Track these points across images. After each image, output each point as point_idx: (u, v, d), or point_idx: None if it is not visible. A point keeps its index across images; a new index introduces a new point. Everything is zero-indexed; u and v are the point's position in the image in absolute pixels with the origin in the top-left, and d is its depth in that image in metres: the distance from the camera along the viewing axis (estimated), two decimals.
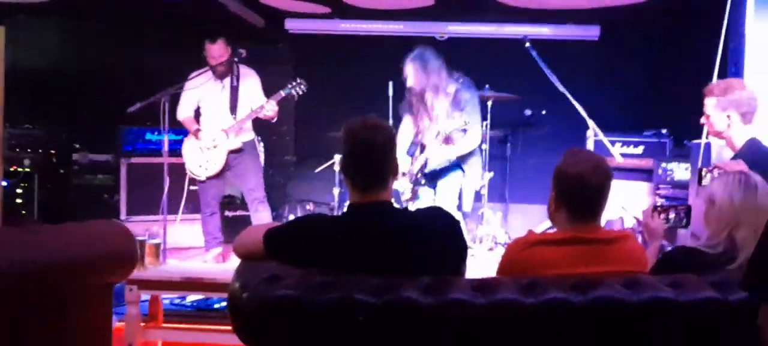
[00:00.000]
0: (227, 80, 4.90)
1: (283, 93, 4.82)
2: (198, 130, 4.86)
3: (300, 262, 2.01)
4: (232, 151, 4.87)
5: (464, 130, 4.53)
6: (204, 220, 4.99)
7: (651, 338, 1.84)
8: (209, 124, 4.90)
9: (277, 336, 1.88)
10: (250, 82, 4.98)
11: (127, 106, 4.47)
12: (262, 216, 4.90)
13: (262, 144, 5.29)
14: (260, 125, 5.19)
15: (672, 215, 2.77)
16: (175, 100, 4.51)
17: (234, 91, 4.90)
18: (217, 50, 4.77)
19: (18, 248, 2.28)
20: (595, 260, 2.07)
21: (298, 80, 4.86)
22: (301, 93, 4.85)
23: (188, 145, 4.90)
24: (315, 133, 5.38)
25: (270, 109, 4.80)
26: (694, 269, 2.05)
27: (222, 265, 4.62)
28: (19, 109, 5.83)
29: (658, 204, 2.82)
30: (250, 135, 5.01)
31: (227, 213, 5.79)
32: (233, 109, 4.88)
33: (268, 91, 4.97)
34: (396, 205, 2.23)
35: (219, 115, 4.89)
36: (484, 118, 5.08)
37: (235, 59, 4.84)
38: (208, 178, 4.88)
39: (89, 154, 6.04)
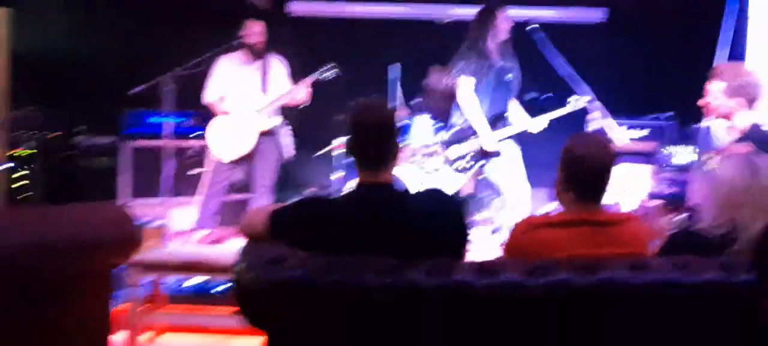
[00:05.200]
0: (258, 63, 4.90)
1: (314, 77, 4.81)
2: (227, 112, 4.85)
3: (305, 242, 2.00)
4: (262, 133, 4.85)
5: None
6: (207, 199, 4.91)
7: (657, 320, 1.84)
8: (238, 106, 4.86)
9: (282, 317, 1.89)
10: (279, 67, 4.99)
11: (130, 89, 4.46)
12: (264, 203, 4.87)
13: (290, 127, 5.19)
14: None
15: (680, 215, 2.75)
16: (178, 83, 4.48)
17: (264, 74, 4.90)
18: (259, 27, 4.83)
19: (18, 230, 2.28)
20: (600, 241, 2.08)
21: (330, 64, 4.84)
22: (332, 78, 4.84)
23: (216, 127, 4.88)
24: (316, 117, 5.37)
25: (302, 92, 4.80)
26: (698, 252, 2.05)
27: (220, 246, 4.59)
28: (22, 92, 5.82)
29: (665, 205, 2.81)
30: (277, 120, 4.99)
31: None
32: (264, 91, 4.88)
33: None
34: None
35: (250, 96, 4.87)
36: None
37: (236, 41, 4.82)
38: (237, 159, 4.86)
39: (92, 136, 6.04)
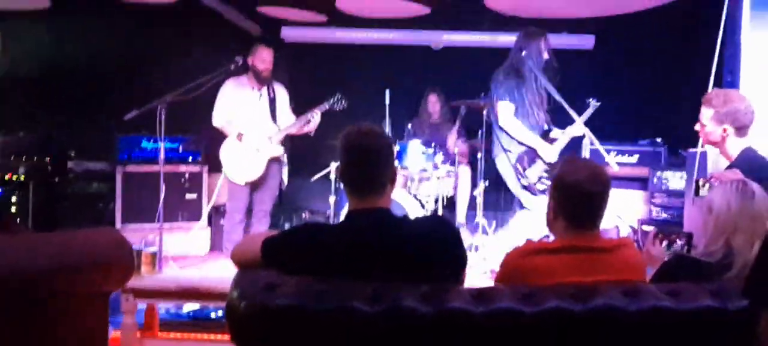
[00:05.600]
0: (264, 89, 4.95)
1: (326, 106, 4.93)
2: (241, 134, 4.89)
3: (298, 270, 1.99)
4: (272, 159, 4.92)
5: None
6: (232, 227, 5.01)
7: None
8: (246, 130, 4.91)
9: (276, 345, 1.87)
10: (284, 95, 5.10)
11: (123, 114, 4.46)
12: (262, 228, 4.92)
13: (285, 156, 5.32)
14: None
15: (675, 242, 2.74)
16: (171, 108, 4.48)
17: (272, 101, 4.98)
18: (270, 56, 4.89)
19: (11, 255, 2.26)
20: (593, 268, 2.06)
21: (339, 96, 4.96)
22: (341, 108, 4.96)
23: (228, 149, 4.92)
24: (310, 141, 5.39)
25: (314, 123, 4.92)
26: (692, 278, 2.05)
27: (220, 274, 4.58)
28: (14, 117, 5.81)
29: (659, 231, 2.80)
30: (281, 147, 5.09)
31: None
32: (273, 118, 4.97)
33: None
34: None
35: (259, 122, 4.94)
36: (479, 127, 5.11)
37: (232, 66, 4.85)
38: (247, 183, 4.92)
39: (84, 162, 6.02)
